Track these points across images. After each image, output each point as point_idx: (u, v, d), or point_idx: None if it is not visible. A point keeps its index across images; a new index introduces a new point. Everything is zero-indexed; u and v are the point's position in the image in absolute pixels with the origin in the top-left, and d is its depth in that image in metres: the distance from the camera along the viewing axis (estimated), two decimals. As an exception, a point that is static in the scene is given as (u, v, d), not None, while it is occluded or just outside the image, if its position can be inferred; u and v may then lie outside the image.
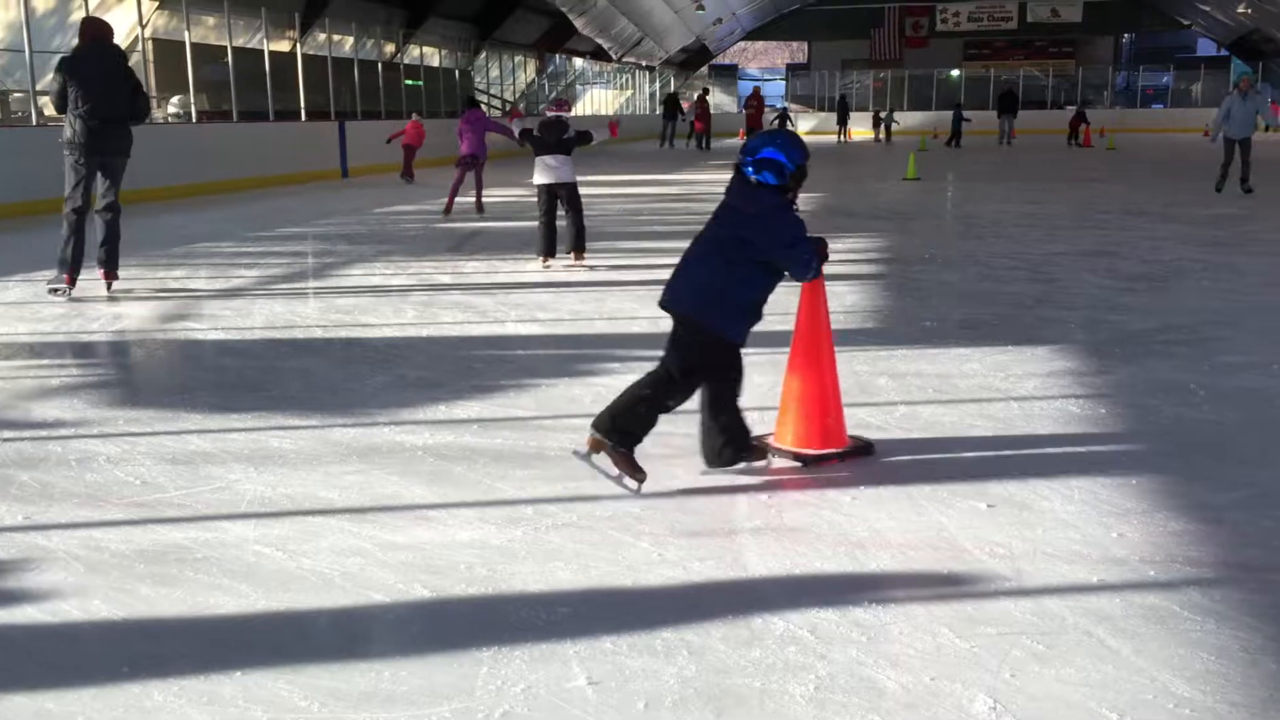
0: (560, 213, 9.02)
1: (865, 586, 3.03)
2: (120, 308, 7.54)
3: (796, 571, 3.13)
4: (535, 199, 9.17)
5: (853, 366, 5.53)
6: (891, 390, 5.10)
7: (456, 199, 13.88)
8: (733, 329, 3.83)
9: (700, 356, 3.85)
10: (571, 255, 9.16)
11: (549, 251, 9.06)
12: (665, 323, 6.65)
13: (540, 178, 8.91)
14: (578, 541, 3.34)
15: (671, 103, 35.72)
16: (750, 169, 3.93)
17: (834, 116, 43.18)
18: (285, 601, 2.97)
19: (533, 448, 4.27)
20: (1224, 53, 48.45)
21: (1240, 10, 40.53)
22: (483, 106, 15.66)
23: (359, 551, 3.28)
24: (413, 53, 28.06)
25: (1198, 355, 5.76)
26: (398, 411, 4.81)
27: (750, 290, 3.83)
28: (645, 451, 4.19)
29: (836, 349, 5.92)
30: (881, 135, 37.71)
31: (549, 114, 9.20)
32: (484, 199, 14.18)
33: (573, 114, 9.30)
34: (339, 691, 2.51)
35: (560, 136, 8.81)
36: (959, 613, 2.86)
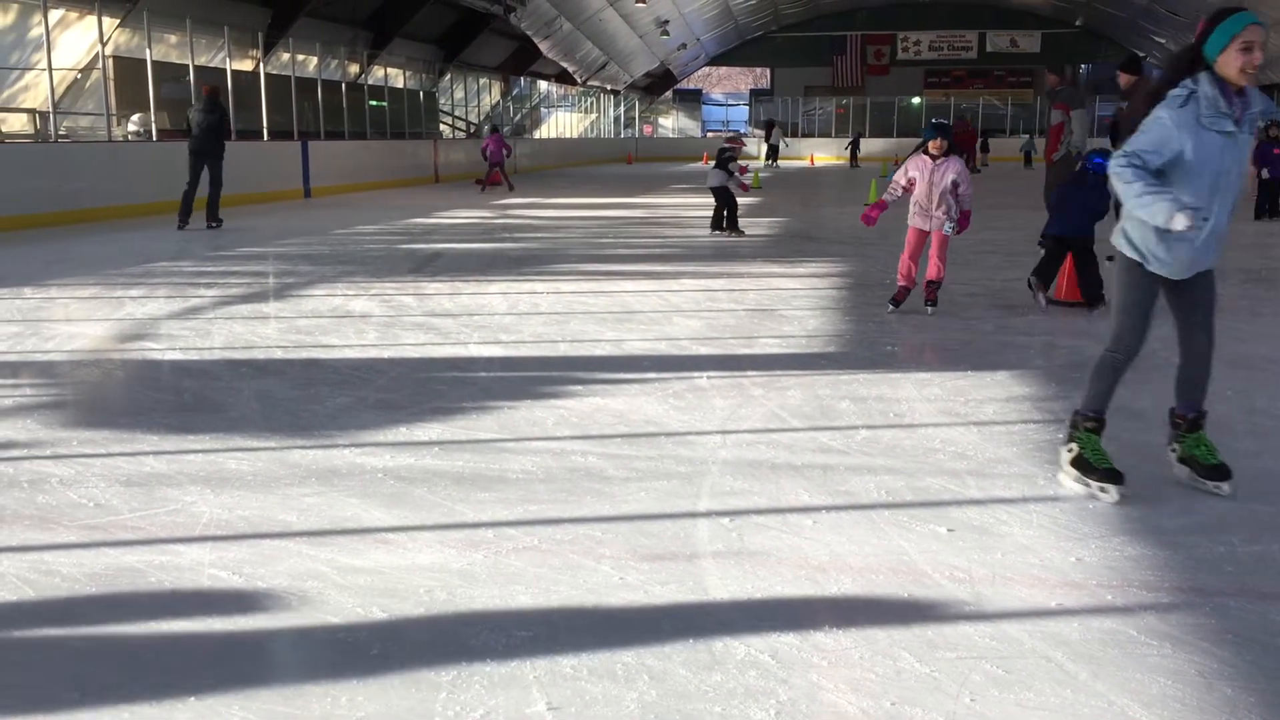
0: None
1: (826, 610, 3.04)
2: (76, 327, 7.45)
3: (757, 595, 3.13)
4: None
5: (815, 390, 5.56)
6: (853, 414, 5.12)
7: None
8: None
9: None
10: (730, 233, 13.83)
11: (714, 226, 14.04)
12: (628, 346, 6.69)
13: (709, 182, 14.03)
14: (538, 565, 3.32)
15: (769, 127, 38.38)
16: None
17: (797, 142, 43.81)
18: (241, 626, 2.93)
19: (494, 470, 4.25)
20: (1178, 84, 49.34)
21: (1194, 43, 41.31)
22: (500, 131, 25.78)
23: (317, 575, 3.24)
24: (377, 73, 28.02)
25: (1152, 381, 5.82)
26: (358, 433, 4.77)
27: None
28: (606, 474, 4.19)
29: (798, 373, 5.98)
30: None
31: (727, 142, 14.31)
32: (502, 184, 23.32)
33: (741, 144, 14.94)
34: (294, 717, 2.47)
35: (721, 156, 13.78)
36: (919, 637, 2.86)
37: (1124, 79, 10.76)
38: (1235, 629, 2.92)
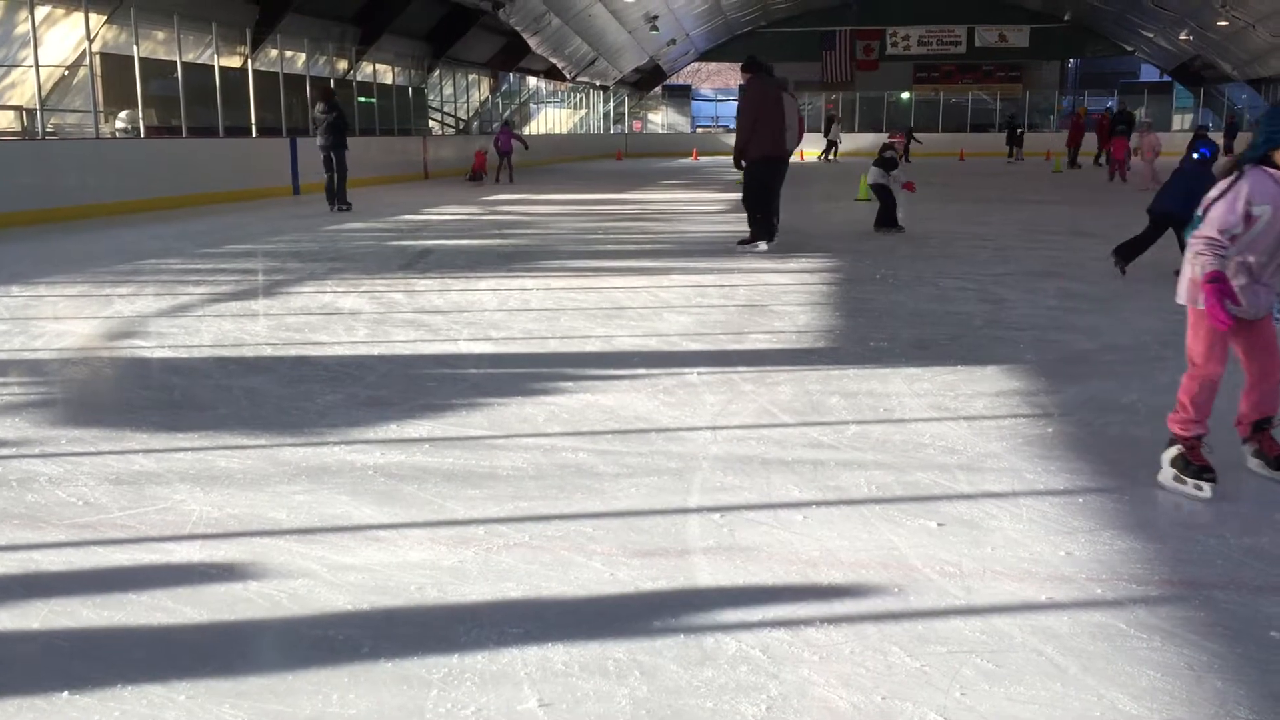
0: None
1: (816, 605, 3.04)
2: (64, 325, 7.42)
3: (748, 590, 3.13)
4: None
5: (805, 386, 5.57)
6: (843, 409, 5.13)
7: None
8: None
9: None
10: (890, 231, 13.23)
11: (878, 225, 13.38)
12: (618, 342, 6.68)
13: (869, 179, 13.55)
14: (529, 562, 3.32)
15: (830, 121, 38.89)
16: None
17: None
18: (231, 624, 2.92)
19: (485, 467, 4.25)
20: (1166, 78, 49.51)
21: (1182, 38, 41.54)
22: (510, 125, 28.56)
23: (307, 572, 3.23)
24: (366, 69, 27.93)
25: (1142, 374, 5.85)
26: (348, 430, 4.76)
27: None
28: (596, 470, 4.19)
29: (788, 369, 5.99)
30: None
31: (889, 140, 14.07)
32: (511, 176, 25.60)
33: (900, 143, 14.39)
34: (285, 715, 2.47)
35: (882, 155, 13.40)
36: (910, 631, 2.87)
37: (743, 78, 11.72)
38: (1225, 622, 2.93)
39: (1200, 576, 3.24)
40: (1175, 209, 8.98)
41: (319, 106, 16.72)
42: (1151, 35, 45.58)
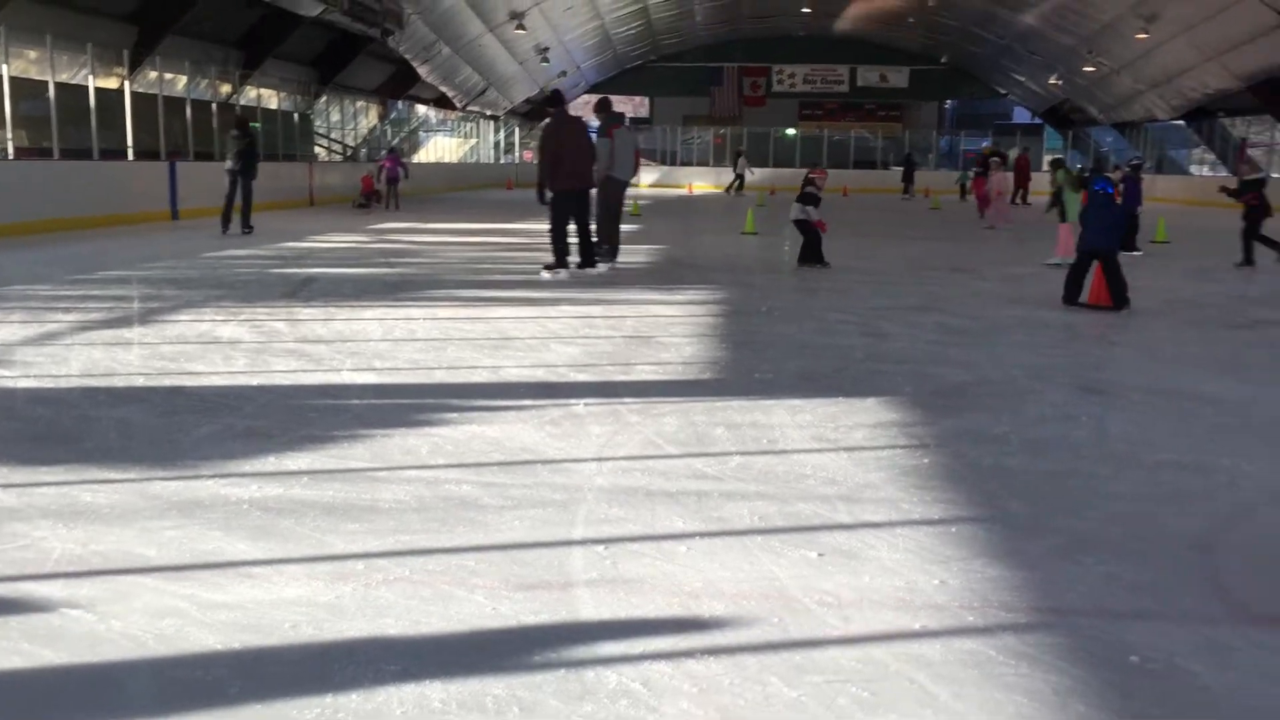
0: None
1: (698, 637, 3.05)
2: (-80, 353, 7.07)
3: (631, 623, 3.13)
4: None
5: (690, 417, 5.61)
6: (727, 440, 5.18)
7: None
8: None
9: None
10: (815, 266, 13.12)
11: (800, 261, 13.27)
12: (505, 373, 6.65)
13: (790, 214, 13.42)
14: (409, 597, 3.27)
15: (737, 156, 39.45)
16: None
17: (676, 170, 44.50)
18: (93, 666, 2.80)
19: (366, 500, 4.17)
20: (1037, 120, 51.55)
21: (1052, 82, 43.33)
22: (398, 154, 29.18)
23: (175, 611, 3.12)
24: (250, 94, 27.40)
25: (1013, 408, 6.04)
26: (223, 463, 4.63)
27: None
28: (480, 503, 4.15)
29: (674, 400, 6.03)
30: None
31: (810, 175, 13.52)
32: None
33: (824, 177, 13.80)
34: (149, 761, 2.37)
35: (804, 190, 13.20)
36: (788, 661, 2.90)
37: (548, 112, 12.59)
38: (1088, 648, 3.03)
39: (1065, 604, 3.35)
40: (1103, 244, 9.87)
41: (233, 132, 17.29)
42: (1023, 79, 47.46)
